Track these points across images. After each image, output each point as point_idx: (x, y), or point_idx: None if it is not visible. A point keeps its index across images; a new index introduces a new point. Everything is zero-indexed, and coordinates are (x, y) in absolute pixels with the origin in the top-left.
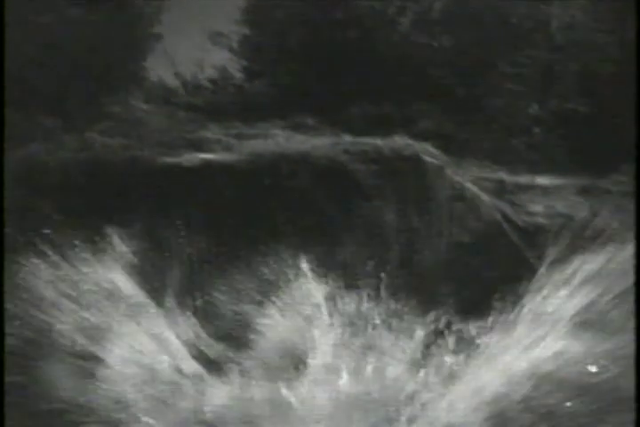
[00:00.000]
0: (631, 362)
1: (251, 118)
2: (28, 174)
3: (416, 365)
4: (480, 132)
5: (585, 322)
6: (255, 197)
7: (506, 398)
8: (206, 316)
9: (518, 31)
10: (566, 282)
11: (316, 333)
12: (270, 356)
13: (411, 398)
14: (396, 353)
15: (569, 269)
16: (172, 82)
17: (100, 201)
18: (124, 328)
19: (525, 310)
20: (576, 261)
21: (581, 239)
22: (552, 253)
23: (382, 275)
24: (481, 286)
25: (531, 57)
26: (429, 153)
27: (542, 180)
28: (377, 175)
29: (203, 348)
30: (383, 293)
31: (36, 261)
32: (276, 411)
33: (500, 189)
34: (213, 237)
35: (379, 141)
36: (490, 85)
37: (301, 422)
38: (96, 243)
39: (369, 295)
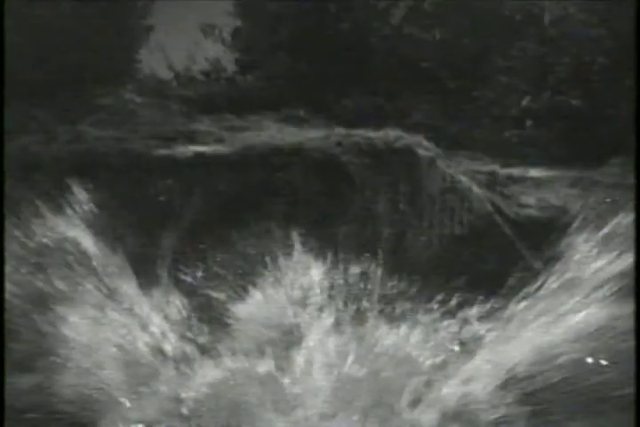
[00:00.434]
0: None
1: (243, 111)
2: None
3: (418, 346)
4: (472, 125)
5: None
6: (247, 189)
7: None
8: (191, 291)
9: (511, 23)
10: None
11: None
12: (261, 337)
13: (412, 378)
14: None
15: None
16: (165, 74)
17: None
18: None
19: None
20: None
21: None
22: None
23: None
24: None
25: (523, 49)
26: (421, 145)
27: (535, 172)
28: (369, 167)
29: (187, 327)
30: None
31: None
32: (269, 394)
33: (492, 182)
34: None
35: (371, 134)
36: (482, 78)
37: (296, 406)
38: None
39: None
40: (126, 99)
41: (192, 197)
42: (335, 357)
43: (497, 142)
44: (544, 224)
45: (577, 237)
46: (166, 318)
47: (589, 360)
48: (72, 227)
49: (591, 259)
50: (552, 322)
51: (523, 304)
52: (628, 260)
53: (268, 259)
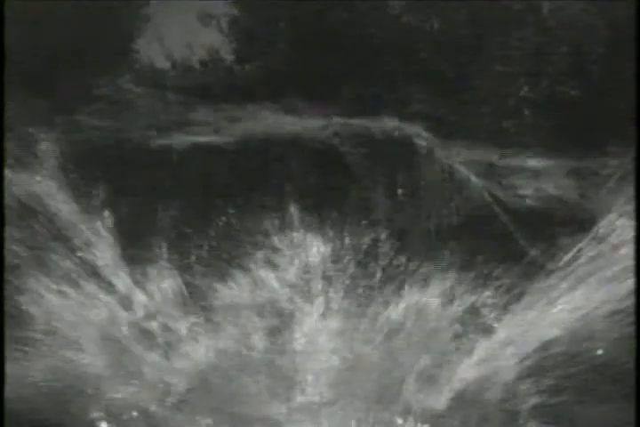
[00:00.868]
0: None
1: (241, 101)
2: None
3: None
4: (470, 115)
5: None
6: (245, 179)
7: None
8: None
9: (509, 13)
10: None
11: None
12: (257, 317)
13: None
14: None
15: None
16: (162, 64)
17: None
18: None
19: None
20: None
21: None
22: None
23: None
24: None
25: (522, 39)
26: (419, 135)
27: (533, 162)
28: (367, 157)
29: (174, 305)
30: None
31: None
32: (265, 381)
33: (490, 171)
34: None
35: (369, 124)
36: (480, 68)
37: (298, 390)
38: None
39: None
40: (124, 89)
41: (189, 185)
42: (337, 339)
43: (495, 132)
44: (541, 214)
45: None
46: (151, 296)
47: None
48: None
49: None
50: None
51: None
52: None
53: (262, 240)
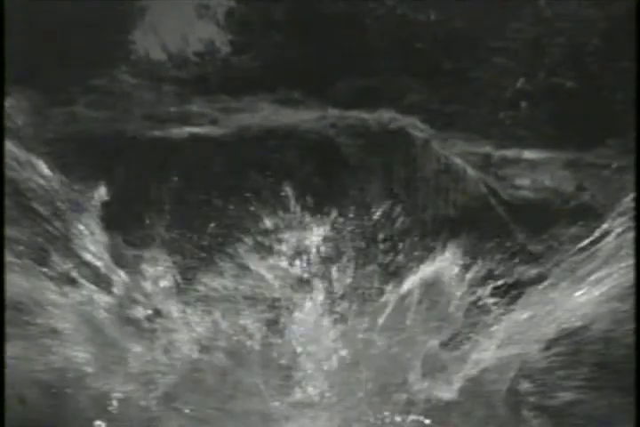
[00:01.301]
0: None
1: (237, 92)
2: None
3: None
4: (467, 106)
5: None
6: (242, 170)
7: None
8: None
9: (506, 4)
10: None
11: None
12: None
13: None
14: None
15: None
16: (158, 55)
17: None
18: None
19: None
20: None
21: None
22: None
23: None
24: None
25: (518, 30)
26: (416, 127)
27: (529, 153)
28: (363, 149)
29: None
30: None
31: None
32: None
33: (487, 163)
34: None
35: (365, 115)
36: (477, 59)
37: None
38: None
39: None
40: (120, 80)
41: (185, 176)
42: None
43: (492, 124)
44: (538, 206)
45: None
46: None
47: None
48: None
49: None
50: None
51: None
52: None
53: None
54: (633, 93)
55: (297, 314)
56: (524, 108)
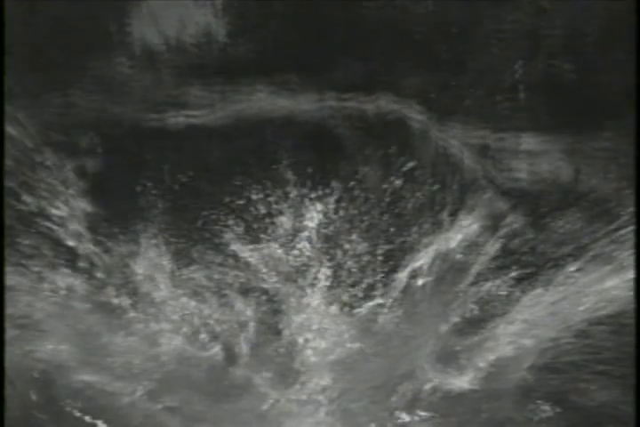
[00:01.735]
0: None
1: (235, 78)
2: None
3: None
4: (465, 95)
5: None
6: (239, 157)
7: None
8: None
9: None
10: None
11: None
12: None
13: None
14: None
15: None
16: (156, 41)
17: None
18: None
19: None
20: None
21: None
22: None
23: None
24: None
25: (516, 20)
26: (413, 114)
27: (527, 138)
28: (360, 137)
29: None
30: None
31: None
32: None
33: (484, 148)
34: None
35: (363, 104)
36: (475, 49)
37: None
38: None
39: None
40: (117, 67)
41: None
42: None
43: (489, 108)
44: (535, 195)
45: None
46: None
47: None
48: None
49: None
50: None
51: None
52: None
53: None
54: (632, 82)
55: (295, 302)
56: (522, 97)
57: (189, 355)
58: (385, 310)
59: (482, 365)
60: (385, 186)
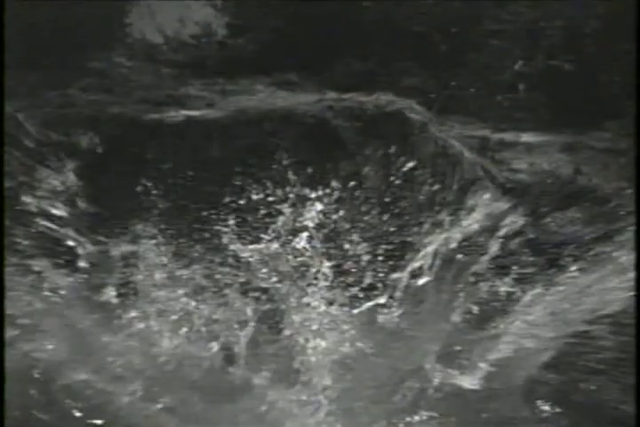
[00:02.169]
0: None
1: (234, 75)
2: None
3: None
4: (464, 89)
5: None
6: (239, 157)
7: None
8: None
9: None
10: None
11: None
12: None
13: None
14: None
15: None
16: (155, 38)
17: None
18: None
19: None
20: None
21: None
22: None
23: None
24: None
25: (516, 12)
26: (413, 110)
27: (527, 136)
28: (360, 132)
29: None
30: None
31: None
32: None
33: (484, 146)
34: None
35: (363, 98)
36: (474, 42)
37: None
38: None
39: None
40: (117, 63)
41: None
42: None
43: (489, 107)
44: (535, 189)
45: None
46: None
47: None
48: None
49: None
50: None
51: None
52: None
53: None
54: (632, 77)
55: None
56: (521, 91)
57: (189, 355)
58: (385, 310)
59: (482, 365)
60: (385, 186)
